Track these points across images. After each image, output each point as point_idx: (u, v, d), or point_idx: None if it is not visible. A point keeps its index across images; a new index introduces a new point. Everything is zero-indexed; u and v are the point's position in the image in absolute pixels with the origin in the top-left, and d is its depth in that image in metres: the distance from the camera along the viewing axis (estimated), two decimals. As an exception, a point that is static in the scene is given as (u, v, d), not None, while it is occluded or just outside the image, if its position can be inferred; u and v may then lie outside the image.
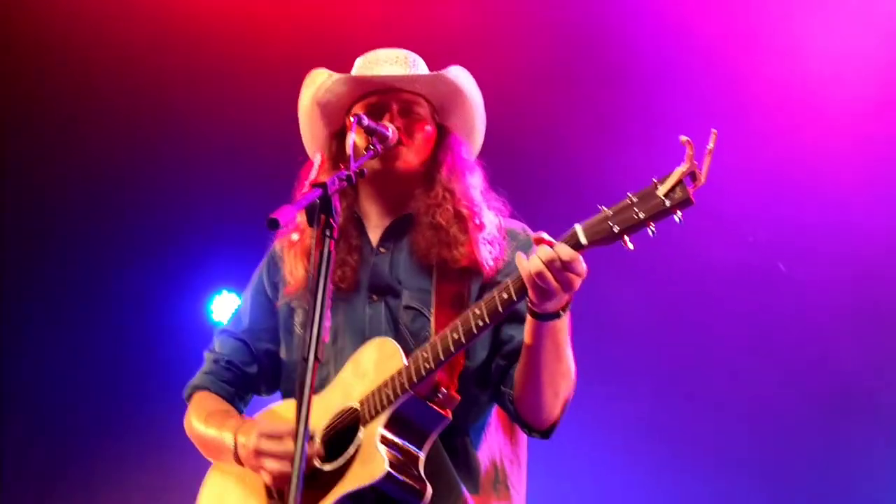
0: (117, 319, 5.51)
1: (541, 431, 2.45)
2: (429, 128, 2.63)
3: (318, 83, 2.65)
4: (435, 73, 2.65)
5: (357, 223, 2.65)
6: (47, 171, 5.56)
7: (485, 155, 2.80)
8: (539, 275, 2.08)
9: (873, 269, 4.79)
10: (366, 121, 2.41)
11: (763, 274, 4.89)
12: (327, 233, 2.06)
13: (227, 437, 2.52)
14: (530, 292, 2.14)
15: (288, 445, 2.29)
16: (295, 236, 2.66)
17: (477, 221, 2.55)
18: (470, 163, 2.69)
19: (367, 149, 2.41)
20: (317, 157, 2.70)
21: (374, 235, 2.66)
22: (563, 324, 2.26)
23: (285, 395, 2.74)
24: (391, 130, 2.48)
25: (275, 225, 2.02)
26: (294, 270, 2.63)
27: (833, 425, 4.76)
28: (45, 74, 5.40)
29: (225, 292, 5.25)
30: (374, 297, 2.58)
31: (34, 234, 5.68)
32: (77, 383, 5.52)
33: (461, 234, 2.53)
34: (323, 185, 2.09)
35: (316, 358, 1.94)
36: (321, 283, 2.00)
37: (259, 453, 2.38)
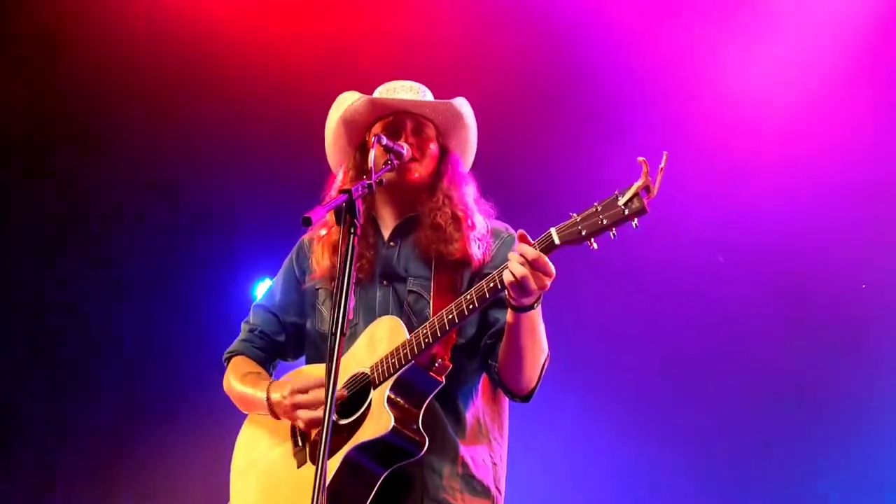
0: (182, 304, 5.90)
1: (521, 396, 2.68)
2: (434, 146, 2.89)
3: (346, 104, 2.89)
4: (443, 101, 2.90)
5: (373, 223, 2.89)
6: (125, 174, 5.90)
7: (475, 168, 3.06)
8: (523, 277, 2.33)
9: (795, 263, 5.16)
10: (384, 140, 2.67)
11: (704, 271, 5.28)
12: (352, 230, 2.28)
13: (261, 394, 2.77)
14: (511, 291, 2.38)
15: (318, 395, 2.58)
16: (323, 231, 2.87)
17: (469, 223, 2.80)
18: (466, 175, 2.95)
19: (385, 163, 2.68)
20: (341, 168, 2.94)
21: (386, 232, 2.90)
22: (537, 313, 2.50)
23: (308, 361, 2.97)
24: (405, 149, 2.74)
25: (308, 223, 2.27)
26: (321, 260, 2.86)
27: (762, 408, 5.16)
28: (104, 82, 5.72)
29: (267, 279, 5.38)
30: (385, 282, 2.82)
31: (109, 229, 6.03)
32: (147, 356, 5.93)
33: (456, 233, 2.77)
34: (348, 192, 2.33)
35: (342, 333, 2.16)
36: (347, 271, 2.23)
37: (295, 406, 2.63)
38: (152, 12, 5.61)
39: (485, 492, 2.69)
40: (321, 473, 2.02)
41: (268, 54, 5.59)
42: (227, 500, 2.90)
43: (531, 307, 2.45)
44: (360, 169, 2.83)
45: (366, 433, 2.49)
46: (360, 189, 2.37)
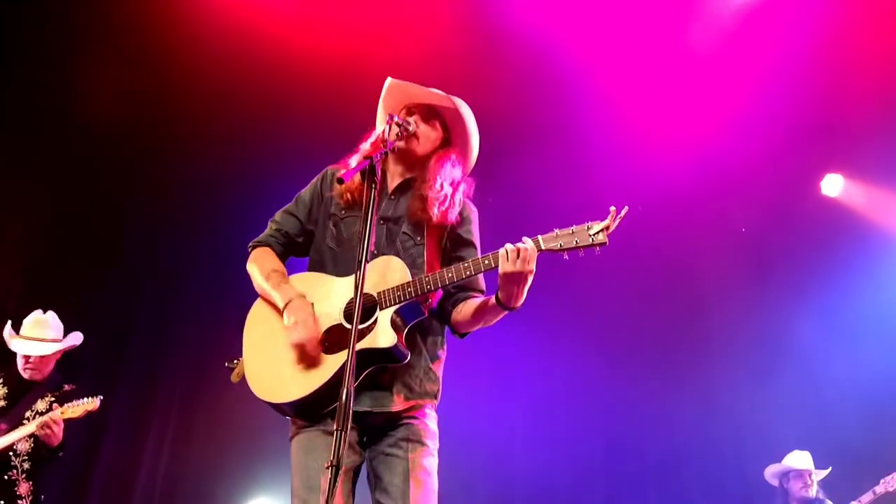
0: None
1: (461, 335, 3.37)
2: (434, 133, 3.42)
3: (388, 85, 3.50)
4: (447, 96, 3.43)
5: (383, 176, 3.31)
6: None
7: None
8: (517, 269, 2.95)
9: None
10: (397, 118, 3.21)
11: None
12: (373, 186, 2.85)
13: (279, 299, 3.23)
14: (504, 289, 3.02)
15: (311, 346, 3.10)
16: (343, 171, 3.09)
17: (448, 194, 3.35)
18: (455, 161, 3.43)
19: (397, 135, 3.21)
20: (375, 131, 3.41)
21: (391, 186, 3.43)
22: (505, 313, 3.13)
23: (310, 262, 3.41)
24: (412, 125, 3.29)
25: (341, 181, 2.93)
26: (344, 194, 3.37)
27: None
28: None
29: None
30: (382, 221, 3.34)
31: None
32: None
33: (440, 203, 3.31)
34: (370, 158, 2.88)
35: (366, 260, 2.71)
36: (369, 216, 2.78)
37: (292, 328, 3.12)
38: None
39: (437, 381, 3.30)
40: (350, 368, 2.59)
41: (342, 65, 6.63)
42: None
43: (513, 309, 3.10)
44: (382, 138, 3.23)
45: (371, 341, 3.04)
46: (378, 156, 2.92)
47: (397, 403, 3.14)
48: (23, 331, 5.47)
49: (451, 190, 3.35)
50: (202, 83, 7.02)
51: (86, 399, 5.28)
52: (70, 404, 5.22)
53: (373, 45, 6.69)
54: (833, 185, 7.67)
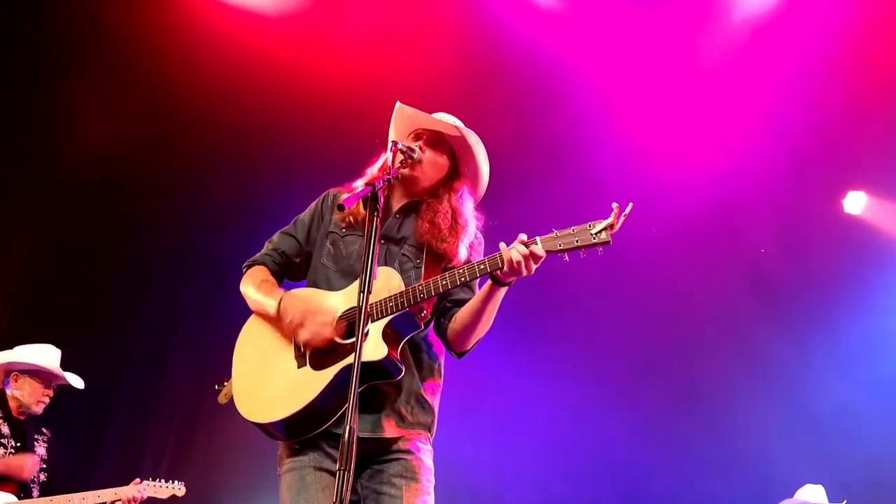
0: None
1: (459, 353, 3.21)
2: (441, 160, 3.35)
3: (396, 110, 3.40)
4: (454, 124, 3.35)
5: (387, 198, 3.31)
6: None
7: (491, 195, 3.54)
8: (519, 262, 2.84)
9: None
10: (400, 145, 3.17)
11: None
12: (375, 213, 2.77)
13: (273, 302, 3.15)
14: (506, 268, 2.87)
15: (322, 318, 3.01)
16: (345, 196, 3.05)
17: (465, 231, 3.29)
18: (467, 195, 3.38)
19: (401, 162, 3.17)
20: (381, 157, 3.41)
21: (395, 207, 3.37)
22: (504, 292, 3.02)
23: (308, 284, 3.32)
24: (417, 152, 3.24)
25: (342, 209, 2.85)
26: (346, 217, 3.32)
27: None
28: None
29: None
30: (383, 241, 3.26)
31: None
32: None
33: (450, 237, 3.23)
34: (373, 185, 2.81)
35: (368, 290, 2.61)
36: (371, 244, 2.70)
37: (300, 325, 3.04)
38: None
39: (432, 411, 3.21)
40: (354, 390, 2.47)
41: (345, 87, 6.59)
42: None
43: (508, 284, 3.00)
44: (386, 164, 3.29)
45: (363, 355, 2.78)
46: (380, 182, 2.86)
47: (388, 430, 3.05)
48: (54, 363, 5.41)
49: (462, 225, 3.27)
50: (199, 114, 7.01)
51: (174, 483, 5.40)
52: (156, 484, 5.30)
53: (375, 66, 6.70)
54: (856, 202, 7.48)
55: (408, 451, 3.07)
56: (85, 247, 7.25)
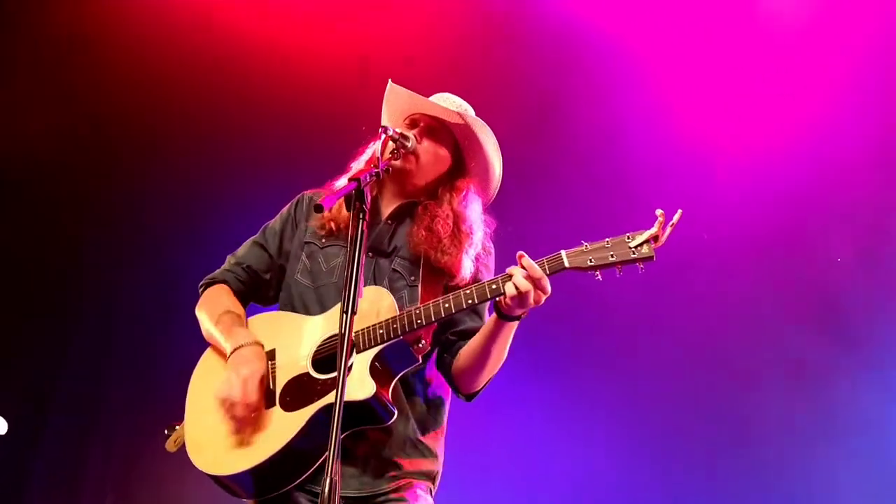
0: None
1: (466, 395, 3.02)
2: (442, 152, 3.13)
3: (388, 91, 3.19)
4: (457, 111, 3.12)
5: (375, 200, 3.11)
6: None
7: (503, 194, 3.29)
8: (526, 292, 2.61)
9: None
10: (391, 131, 2.93)
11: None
12: (360, 216, 2.50)
13: (229, 348, 2.91)
14: (509, 301, 2.65)
15: (240, 411, 2.74)
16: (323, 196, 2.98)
17: (469, 241, 3.05)
18: (474, 195, 3.15)
19: (392, 152, 2.95)
20: (369, 148, 3.18)
21: (385, 211, 3.15)
22: (515, 324, 2.79)
23: (281, 304, 3.12)
24: (411, 140, 3.01)
25: (320, 210, 2.54)
26: (327, 224, 3.10)
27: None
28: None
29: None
30: (371, 254, 3.05)
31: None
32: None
33: (452, 248, 3.01)
34: (358, 180, 2.55)
35: (353, 312, 2.34)
36: (357, 254, 2.42)
37: (245, 384, 2.77)
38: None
39: (436, 459, 3.01)
40: (335, 443, 2.19)
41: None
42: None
43: (518, 318, 2.75)
44: (375, 156, 3.00)
45: (346, 394, 2.54)
46: (367, 178, 2.59)
47: (380, 486, 2.86)
48: None
49: (467, 233, 3.05)
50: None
51: None
52: None
53: (361, 32, 6.38)
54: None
55: (402, 500, 2.89)
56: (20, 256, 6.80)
